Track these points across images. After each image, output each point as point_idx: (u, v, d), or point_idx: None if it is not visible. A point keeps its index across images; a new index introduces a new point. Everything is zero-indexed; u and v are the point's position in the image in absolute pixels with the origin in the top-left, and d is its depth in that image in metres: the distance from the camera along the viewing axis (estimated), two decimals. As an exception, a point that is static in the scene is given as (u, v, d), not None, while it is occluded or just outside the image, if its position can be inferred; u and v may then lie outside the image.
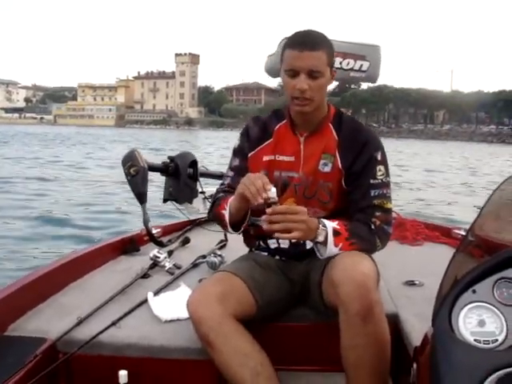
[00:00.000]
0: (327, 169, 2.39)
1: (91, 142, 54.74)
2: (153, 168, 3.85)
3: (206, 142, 65.13)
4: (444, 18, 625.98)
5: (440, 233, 4.11)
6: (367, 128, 2.50)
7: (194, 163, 4.12)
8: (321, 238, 2.17)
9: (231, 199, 2.32)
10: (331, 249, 2.18)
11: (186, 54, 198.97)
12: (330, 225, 2.19)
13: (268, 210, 2.06)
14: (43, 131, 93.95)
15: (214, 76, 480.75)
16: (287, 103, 2.46)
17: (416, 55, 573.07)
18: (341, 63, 3.65)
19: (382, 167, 2.38)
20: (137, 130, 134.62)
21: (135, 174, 3.55)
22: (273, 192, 2.08)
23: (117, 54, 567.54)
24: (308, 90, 2.25)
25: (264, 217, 2.09)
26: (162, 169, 4.01)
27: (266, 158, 2.47)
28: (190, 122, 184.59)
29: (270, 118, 2.56)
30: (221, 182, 2.64)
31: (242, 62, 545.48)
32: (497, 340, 1.34)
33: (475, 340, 1.34)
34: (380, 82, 3.93)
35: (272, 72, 3.64)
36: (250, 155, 2.50)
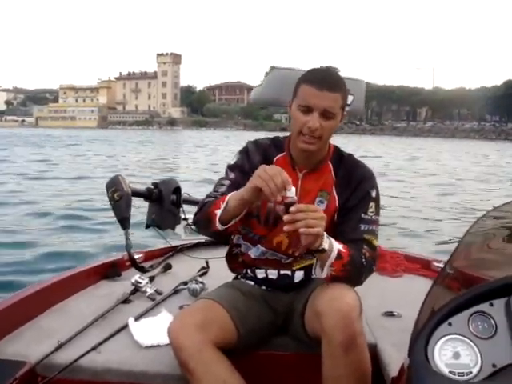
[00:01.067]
0: (322, 206, 2.36)
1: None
2: (136, 193, 3.84)
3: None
4: (425, 15, 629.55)
5: (420, 265, 4.10)
6: (364, 165, 2.49)
7: (177, 190, 4.11)
8: (326, 246, 2.10)
9: (233, 193, 2.24)
10: (326, 269, 2.16)
11: (167, 54, 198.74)
12: (336, 246, 2.15)
13: (292, 209, 1.98)
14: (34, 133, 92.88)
15: (197, 76, 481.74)
16: (290, 136, 2.44)
17: (397, 53, 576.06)
18: None
19: (373, 204, 2.39)
20: (120, 132, 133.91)
21: (119, 199, 3.54)
22: (292, 192, 2.01)
23: (98, 55, 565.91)
24: (319, 130, 2.23)
25: (285, 216, 1.99)
26: (146, 195, 4.00)
27: None
28: (172, 122, 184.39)
29: (269, 147, 2.52)
30: (213, 188, 2.53)
31: (225, 61, 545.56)
32: (471, 372, 1.36)
33: (450, 372, 1.36)
34: (363, 79, 3.98)
35: (259, 102, 3.70)
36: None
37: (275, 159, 2.47)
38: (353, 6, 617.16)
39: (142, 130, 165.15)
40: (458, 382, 1.34)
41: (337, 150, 2.51)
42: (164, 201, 4.00)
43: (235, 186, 2.39)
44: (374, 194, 2.40)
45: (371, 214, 2.37)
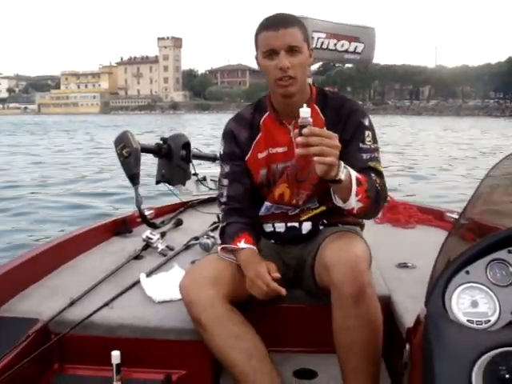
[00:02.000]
0: None
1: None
2: (145, 149, 3.82)
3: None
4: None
5: (433, 216, 4.10)
6: (351, 100, 2.47)
7: (186, 145, 4.10)
8: (342, 176, 1.98)
9: (242, 257, 2.28)
10: (352, 198, 2.05)
11: (168, 38, 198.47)
12: (353, 172, 2.05)
13: (305, 131, 1.84)
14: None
15: (198, 59, 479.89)
16: (268, 92, 2.43)
17: (399, 31, 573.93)
18: (335, 45, 3.72)
19: (369, 132, 2.34)
20: (123, 116, 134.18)
21: (128, 155, 3.52)
22: (305, 111, 1.86)
23: (99, 41, 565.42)
24: (290, 68, 2.20)
25: (299, 139, 1.86)
26: (155, 150, 3.98)
27: (261, 156, 2.42)
28: (175, 106, 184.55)
29: (252, 113, 2.49)
30: (213, 191, 2.66)
31: (226, 43, 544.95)
32: (489, 320, 1.34)
33: (468, 320, 1.35)
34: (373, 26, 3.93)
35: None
36: (247, 158, 2.45)
37: (261, 121, 2.44)
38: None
39: (145, 114, 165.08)
40: (476, 331, 1.33)
41: (319, 91, 2.46)
42: (173, 156, 3.98)
43: (234, 179, 2.44)
44: (366, 123, 2.36)
45: (369, 143, 2.32)
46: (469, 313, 1.36)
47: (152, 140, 4.26)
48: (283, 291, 2.11)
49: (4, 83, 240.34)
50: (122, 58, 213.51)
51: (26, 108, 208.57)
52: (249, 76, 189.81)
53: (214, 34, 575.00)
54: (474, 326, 1.34)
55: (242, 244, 2.32)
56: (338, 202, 2.11)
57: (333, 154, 1.87)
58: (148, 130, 44.95)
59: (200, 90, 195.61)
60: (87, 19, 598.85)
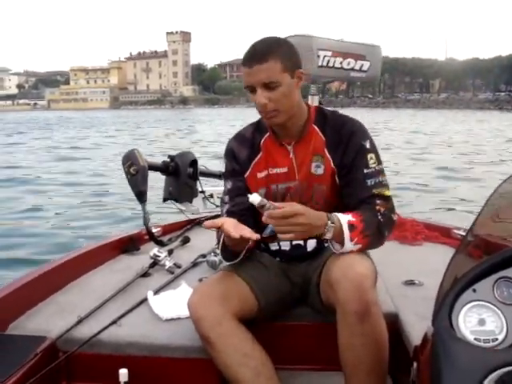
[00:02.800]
0: (320, 171, 2.35)
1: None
2: (153, 167, 3.82)
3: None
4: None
5: (439, 233, 4.06)
6: (351, 118, 2.43)
7: (194, 162, 4.10)
8: (329, 235, 2.08)
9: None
10: (347, 244, 2.11)
11: (177, 33, 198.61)
12: (345, 219, 2.10)
13: (263, 219, 2.01)
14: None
15: (207, 53, 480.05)
16: None
17: (409, 24, 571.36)
18: (341, 63, 3.70)
19: (372, 155, 2.32)
20: (132, 112, 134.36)
21: (135, 173, 3.52)
22: (254, 200, 2.01)
23: (108, 36, 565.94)
24: (269, 103, 2.19)
25: (263, 218, 2.01)
26: (162, 168, 3.99)
27: (261, 175, 2.43)
28: (184, 101, 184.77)
29: (253, 133, 2.49)
30: (220, 209, 2.59)
31: (236, 37, 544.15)
32: (497, 339, 1.34)
33: (475, 339, 1.34)
34: (378, 45, 3.91)
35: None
36: (246, 176, 2.46)
37: (261, 142, 2.45)
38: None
39: (154, 109, 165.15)
40: (483, 349, 1.32)
41: (319, 110, 2.45)
42: (181, 174, 3.98)
43: (236, 195, 2.44)
44: (368, 145, 2.33)
45: (373, 166, 2.30)
46: (476, 331, 1.35)
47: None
48: (251, 236, 2.07)
49: (14, 79, 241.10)
50: (131, 53, 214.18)
51: (35, 104, 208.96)
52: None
53: (223, 27, 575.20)
54: (482, 344, 1.33)
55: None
56: (336, 248, 2.15)
57: (294, 232, 2.01)
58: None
59: (209, 84, 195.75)
60: (96, 14, 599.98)
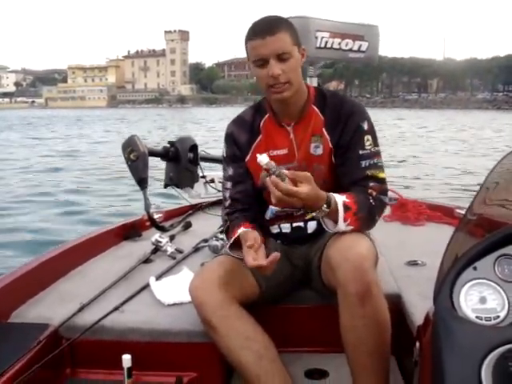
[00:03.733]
0: (319, 151, 2.37)
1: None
2: (153, 153, 3.83)
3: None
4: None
5: (442, 213, 4.10)
6: (351, 99, 2.46)
7: (194, 147, 4.11)
8: (319, 215, 2.12)
9: (242, 237, 2.26)
10: (341, 224, 2.13)
11: (175, 31, 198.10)
12: (341, 199, 2.12)
13: (272, 178, 1.97)
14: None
15: (205, 52, 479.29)
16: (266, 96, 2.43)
17: (407, 23, 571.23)
18: (339, 44, 3.71)
19: (369, 137, 2.34)
20: (130, 110, 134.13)
21: (135, 159, 3.54)
22: (262, 160, 1.98)
23: (106, 34, 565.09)
24: (282, 74, 2.19)
25: (266, 180, 1.99)
26: (163, 154, 4.00)
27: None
28: (182, 100, 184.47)
29: (252, 115, 2.50)
30: (221, 194, 2.62)
31: (233, 36, 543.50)
32: (498, 316, 1.34)
33: (477, 317, 1.34)
34: (376, 24, 3.95)
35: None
36: (247, 160, 2.47)
37: (262, 123, 2.45)
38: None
39: (152, 108, 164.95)
40: (485, 327, 1.32)
41: (318, 91, 2.47)
42: (181, 159, 3.99)
43: (238, 180, 2.47)
44: (366, 127, 2.35)
45: (369, 148, 2.32)
46: (477, 309, 1.35)
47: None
48: (264, 263, 2.07)
49: (11, 77, 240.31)
50: (129, 52, 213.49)
51: (33, 102, 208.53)
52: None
53: (221, 27, 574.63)
54: (483, 322, 1.33)
55: (240, 230, 2.30)
56: (329, 227, 2.17)
57: (289, 204, 2.01)
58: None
59: (207, 83, 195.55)
60: (94, 12, 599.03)
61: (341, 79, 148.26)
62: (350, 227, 2.15)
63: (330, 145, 2.35)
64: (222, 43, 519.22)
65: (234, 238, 2.31)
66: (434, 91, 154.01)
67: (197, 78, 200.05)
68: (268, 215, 2.51)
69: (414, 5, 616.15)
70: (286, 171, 1.99)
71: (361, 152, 2.30)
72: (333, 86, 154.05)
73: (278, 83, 2.21)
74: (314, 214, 2.12)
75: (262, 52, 2.18)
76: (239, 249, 2.27)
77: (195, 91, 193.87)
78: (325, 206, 2.07)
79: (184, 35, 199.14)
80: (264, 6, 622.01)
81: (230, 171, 2.50)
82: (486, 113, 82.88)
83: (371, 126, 2.37)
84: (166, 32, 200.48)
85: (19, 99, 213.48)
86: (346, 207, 2.11)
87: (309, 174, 2.03)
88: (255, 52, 2.21)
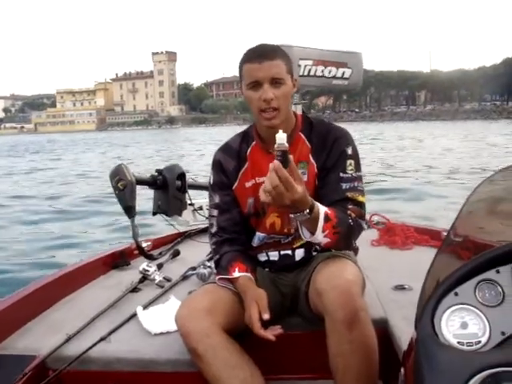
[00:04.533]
0: (305, 178, 2.35)
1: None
2: (141, 181, 3.83)
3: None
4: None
5: (429, 236, 4.09)
6: (337, 126, 2.49)
7: (182, 175, 4.13)
8: (299, 219, 2.07)
9: (241, 285, 2.32)
10: (318, 234, 2.11)
11: (162, 53, 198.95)
12: (323, 209, 2.12)
13: (275, 162, 1.90)
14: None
15: (193, 73, 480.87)
16: (254, 122, 2.47)
17: (393, 37, 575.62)
18: (323, 71, 3.76)
19: (352, 161, 2.37)
20: (118, 133, 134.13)
21: (123, 188, 3.54)
22: (281, 138, 1.91)
23: (93, 57, 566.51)
24: (274, 99, 2.24)
25: (275, 162, 1.90)
26: (150, 182, 4.00)
27: (248, 185, 2.46)
28: (171, 121, 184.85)
29: (240, 143, 2.53)
30: (208, 222, 2.61)
31: (221, 56, 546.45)
32: (480, 341, 1.33)
33: (458, 342, 1.33)
34: (360, 52, 3.96)
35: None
36: (234, 188, 2.49)
37: (248, 152, 2.48)
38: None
39: (142, 129, 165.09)
40: (466, 352, 1.31)
41: (305, 118, 2.50)
42: (169, 187, 3.99)
43: (224, 209, 2.48)
44: (350, 151, 2.38)
45: (351, 172, 2.34)
46: (459, 334, 1.34)
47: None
48: (271, 338, 2.12)
49: (0, 103, 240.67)
50: (117, 74, 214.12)
51: (22, 127, 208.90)
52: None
53: (209, 47, 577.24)
54: (465, 347, 1.32)
55: (236, 273, 2.34)
56: (305, 234, 2.15)
57: (273, 200, 1.93)
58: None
59: (196, 103, 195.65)
60: (81, 37, 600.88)
61: (329, 94, 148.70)
62: (327, 239, 2.14)
63: (316, 170, 2.38)
64: (209, 63, 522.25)
65: (229, 277, 2.34)
66: (421, 103, 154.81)
67: (185, 98, 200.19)
68: (255, 242, 2.52)
69: (400, 18, 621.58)
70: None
71: (341, 175, 2.33)
72: (321, 101, 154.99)
73: (268, 108, 2.24)
74: (292, 215, 2.07)
75: (257, 75, 2.23)
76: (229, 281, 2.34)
77: (184, 112, 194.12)
78: (307, 210, 2.04)
79: (171, 56, 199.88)
80: (249, 29, 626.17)
81: (217, 199, 2.51)
82: (484, 123, 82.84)
83: (355, 151, 2.40)
84: (153, 53, 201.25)
85: (8, 125, 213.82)
86: (327, 218, 2.11)
87: (302, 190, 1.98)
88: (250, 74, 2.25)
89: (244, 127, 2.56)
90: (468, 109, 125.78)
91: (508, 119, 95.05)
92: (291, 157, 1.93)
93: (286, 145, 1.91)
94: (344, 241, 2.25)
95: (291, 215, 2.08)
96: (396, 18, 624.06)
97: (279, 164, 1.89)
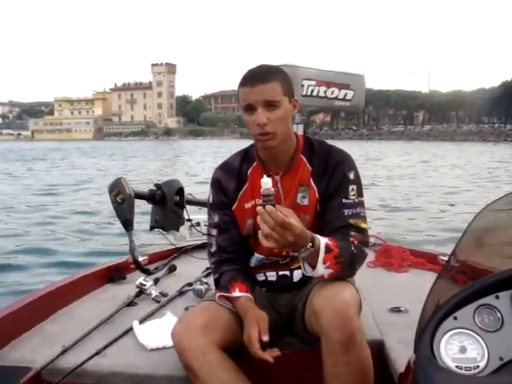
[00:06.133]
0: (305, 201, 2.38)
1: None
2: (139, 196, 3.85)
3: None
4: (419, 19, 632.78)
5: (426, 259, 4.11)
6: (339, 149, 2.46)
7: (180, 190, 4.14)
8: (303, 255, 2.07)
9: (241, 307, 2.31)
10: (319, 266, 2.10)
11: (162, 64, 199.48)
12: (323, 240, 2.11)
13: (267, 207, 1.92)
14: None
15: (192, 85, 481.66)
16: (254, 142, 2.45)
17: (392, 57, 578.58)
18: (325, 92, 3.79)
19: (354, 187, 2.35)
20: (115, 143, 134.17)
21: (121, 201, 3.57)
22: (266, 183, 1.95)
23: (92, 66, 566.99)
24: (268, 124, 2.21)
25: (259, 208, 1.94)
26: (149, 197, 4.01)
27: (247, 206, 2.45)
28: (168, 132, 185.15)
29: (240, 163, 2.51)
30: (207, 241, 2.61)
31: (220, 69, 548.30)
32: (478, 366, 1.33)
33: (457, 366, 1.33)
34: (362, 74, 4.00)
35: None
36: (234, 208, 2.48)
37: (249, 173, 2.47)
38: (347, 13, 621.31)
39: (139, 140, 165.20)
40: (464, 377, 1.32)
41: (306, 140, 2.49)
42: (167, 202, 4.01)
43: (224, 229, 2.47)
44: (352, 176, 2.36)
45: (353, 198, 2.33)
46: (457, 358, 1.34)
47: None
48: (269, 359, 2.10)
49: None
50: (115, 84, 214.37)
51: (19, 134, 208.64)
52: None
53: (208, 60, 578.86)
54: (463, 371, 1.32)
55: (236, 293, 2.33)
56: (307, 269, 2.15)
57: (277, 243, 1.94)
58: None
59: (194, 115, 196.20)
60: (81, 45, 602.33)
61: (327, 112, 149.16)
62: (329, 270, 2.12)
63: (317, 195, 2.37)
64: (208, 76, 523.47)
65: (230, 295, 2.34)
66: (419, 123, 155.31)
67: (184, 110, 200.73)
68: (253, 263, 2.52)
69: (400, 39, 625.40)
70: (280, 208, 1.97)
71: (344, 201, 2.31)
72: (319, 118, 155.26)
73: (263, 132, 2.22)
74: (296, 253, 2.08)
75: (250, 98, 2.22)
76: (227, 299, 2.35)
77: (182, 124, 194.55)
78: (309, 244, 2.04)
79: (171, 68, 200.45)
80: (251, 41, 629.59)
81: (216, 218, 2.51)
82: (485, 145, 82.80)
83: (357, 176, 2.38)
84: (152, 65, 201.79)
85: (5, 132, 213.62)
86: (328, 248, 2.09)
87: (298, 222, 1.99)
88: (244, 98, 2.24)
89: (241, 141, 2.46)
90: (466, 130, 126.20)
91: (505, 142, 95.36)
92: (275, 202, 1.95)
93: (272, 189, 1.94)
94: (347, 270, 2.23)
95: (295, 254, 2.09)
96: (395, 37, 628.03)
97: (271, 208, 1.91)
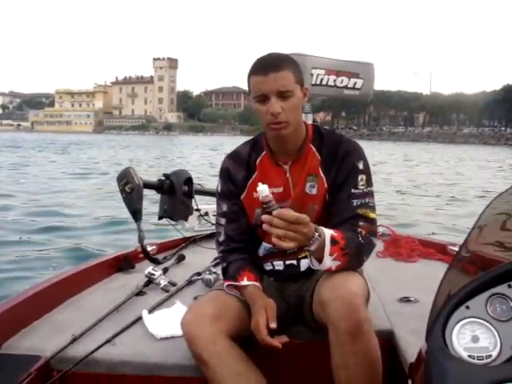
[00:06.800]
0: (314, 191, 2.38)
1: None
2: (148, 185, 3.87)
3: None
4: (422, 20, 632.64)
5: (435, 249, 4.12)
6: (348, 139, 2.45)
7: (189, 180, 4.15)
8: (313, 247, 2.06)
9: (249, 294, 2.31)
10: (326, 259, 2.09)
11: (164, 59, 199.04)
12: (328, 232, 2.10)
13: (274, 213, 1.93)
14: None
15: (193, 80, 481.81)
16: (263, 131, 2.44)
17: (394, 58, 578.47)
18: (335, 81, 3.78)
19: (363, 176, 2.34)
20: (115, 136, 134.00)
21: (130, 191, 3.58)
22: (263, 190, 1.95)
23: (94, 59, 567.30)
24: (282, 113, 2.20)
25: (264, 216, 1.94)
26: (157, 186, 4.03)
27: (256, 195, 2.34)
28: (169, 127, 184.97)
29: (249, 152, 2.50)
30: (216, 230, 2.61)
31: (222, 66, 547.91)
32: (490, 356, 1.32)
33: (469, 356, 1.33)
34: (371, 62, 3.97)
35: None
36: (242, 198, 2.47)
37: (258, 162, 2.46)
38: (348, 14, 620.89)
39: (139, 134, 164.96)
40: (477, 366, 1.31)
41: (315, 129, 2.48)
42: (176, 192, 4.03)
43: (232, 218, 2.47)
44: (361, 166, 2.35)
45: (362, 187, 2.32)
46: (470, 348, 1.33)
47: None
48: (277, 345, 2.12)
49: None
50: (117, 78, 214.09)
51: (19, 125, 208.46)
52: (243, 98, 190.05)
53: (210, 55, 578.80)
54: (475, 361, 1.31)
55: (244, 281, 2.34)
56: (314, 263, 2.15)
57: (296, 240, 1.95)
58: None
59: (194, 111, 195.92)
60: (83, 37, 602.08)
61: (328, 110, 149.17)
62: (337, 262, 2.12)
63: (326, 185, 2.36)
64: (210, 72, 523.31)
65: (238, 284, 2.35)
66: (420, 125, 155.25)
67: (184, 105, 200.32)
68: (261, 252, 2.52)
69: (402, 40, 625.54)
70: (283, 210, 1.96)
71: (353, 191, 2.30)
72: (320, 117, 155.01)
73: (276, 121, 2.21)
74: (306, 247, 2.06)
75: (263, 88, 2.19)
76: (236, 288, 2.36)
77: (182, 119, 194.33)
78: (316, 234, 2.04)
79: (173, 63, 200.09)
80: (253, 38, 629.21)
81: (225, 207, 2.50)
82: (486, 148, 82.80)
83: (367, 166, 2.38)
84: (154, 59, 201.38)
85: (5, 122, 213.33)
86: (334, 241, 2.09)
87: (305, 215, 1.99)
88: (257, 88, 2.21)
89: (241, 138, 2.44)
90: (466, 133, 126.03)
91: (505, 145, 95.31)
92: (277, 204, 1.96)
93: (271, 195, 1.94)
94: (355, 261, 2.22)
95: (306, 248, 2.07)
96: (398, 39, 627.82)
97: (279, 211, 1.92)
